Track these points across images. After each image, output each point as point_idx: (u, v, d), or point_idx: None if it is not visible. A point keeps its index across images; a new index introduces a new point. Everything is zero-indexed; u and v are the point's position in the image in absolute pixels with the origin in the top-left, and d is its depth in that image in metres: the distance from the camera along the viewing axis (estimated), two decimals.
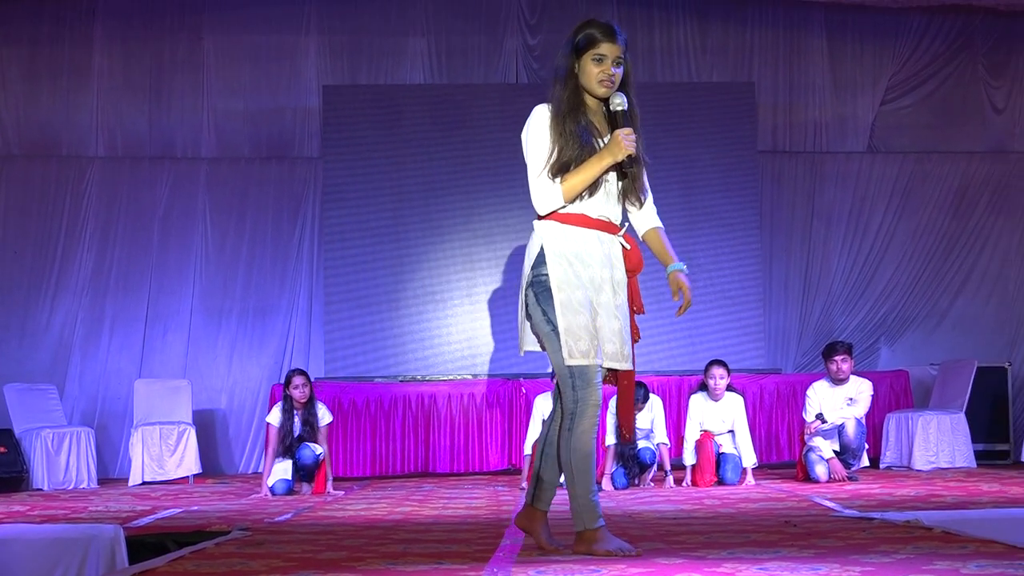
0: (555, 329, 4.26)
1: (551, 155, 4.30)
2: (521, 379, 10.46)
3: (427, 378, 10.83)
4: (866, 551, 4.32)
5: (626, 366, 4.36)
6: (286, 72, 11.91)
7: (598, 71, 4.29)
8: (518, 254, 11.13)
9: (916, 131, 12.27)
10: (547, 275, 4.29)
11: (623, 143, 4.22)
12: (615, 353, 4.31)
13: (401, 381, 10.72)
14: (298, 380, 8.73)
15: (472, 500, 7.74)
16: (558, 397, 4.37)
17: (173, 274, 11.59)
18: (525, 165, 4.39)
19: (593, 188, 4.31)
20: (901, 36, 12.20)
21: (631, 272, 4.44)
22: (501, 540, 5.09)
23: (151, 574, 4.01)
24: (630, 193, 4.43)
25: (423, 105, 11.51)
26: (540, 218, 4.38)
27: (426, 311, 11.18)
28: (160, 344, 11.50)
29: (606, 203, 4.36)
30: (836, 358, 9.01)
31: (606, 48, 4.28)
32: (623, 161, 4.26)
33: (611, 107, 4.32)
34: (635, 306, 4.46)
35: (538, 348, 4.41)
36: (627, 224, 4.50)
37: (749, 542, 4.79)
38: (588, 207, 4.33)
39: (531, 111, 4.40)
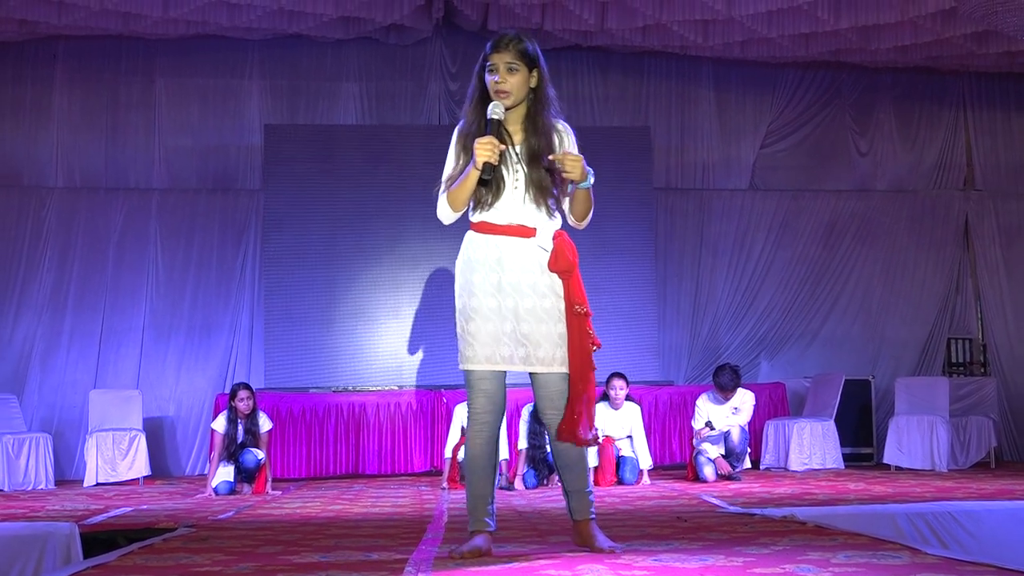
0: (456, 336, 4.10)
1: (453, 170, 4.10)
2: (442, 390, 10.43)
3: (357, 389, 10.76)
4: (748, 543, 4.36)
5: (560, 369, 4.01)
6: (231, 112, 11.80)
7: (491, 81, 4.01)
8: (440, 277, 11.11)
9: (792, 171, 12.45)
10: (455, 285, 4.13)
11: (476, 151, 3.87)
12: (548, 357, 4.00)
13: (334, 391, 10.64)
14: (243, 394, 8.68)
15: (398, 499, 7.70)
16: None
17: (126, 294, 11.41)
18: None
19: (496, 197, 4.02)
20: (778, 88, 12.39)
21: (561, 274, 4.03)
22: (424, 534, 5.07)
23: (104, 568, 3.94)
24: (540, 197, 4.05)
25: (355, 143, 11.46)
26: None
27: (357, 328, 11.10)
28: (114, 357, 11.30)
29: (518, 208, 4.04)
30: (727, 393, 9.10)
31: (494, 58, 4.01)
32: (482, 169, 3.90)
33: (487, 115, 4.00)
34: (573, 305, 4.01)
35: None
36: (547, 226, 4.09)
37: (645, 535, 4.81)
38: (493, 215, 4.05)
39: None
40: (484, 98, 4.09)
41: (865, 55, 11.35)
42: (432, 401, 10.34)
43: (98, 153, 11.61)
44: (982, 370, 12.26)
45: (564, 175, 3.97)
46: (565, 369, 4.02)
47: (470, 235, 4.12)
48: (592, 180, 4.04)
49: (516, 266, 4.03)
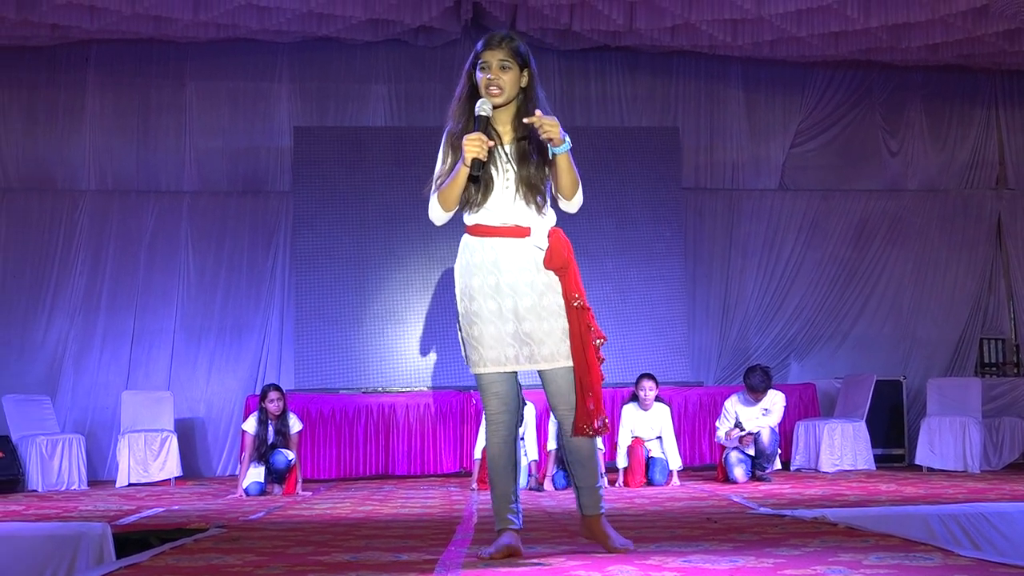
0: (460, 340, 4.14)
1: (441, 170, 4.10)
2: (471, 391, 10.43)
3: (387, 390, 10.78)
4: (779, 544, 4.34)
5: (567, 363, 4.02)
6: (261, 114, 11.86)
7: (483, 78, 4.02)
8: None
9: (822, 171, 12.39)
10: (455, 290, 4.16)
11: (465, 147, 3.89)
12: (552, 353, 4.02)
13: (364, 392, 10.66)
14: (273, 395, 8.71)
15: (427, 500, 7.71)
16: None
17: (158, 296, 11.49)
18: None
19: (485, 197, 4.03)
20: (808, 88, 12.33)
21: (557, 271, 4.03)
22: (453, 535, 5.08)
23: (136, 568, 3.96)
24: (531, 195, 4.04)
25: (384, 144, 11.48)
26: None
27: (386, 329, 11.13)
28: (145, 359, 11.38)
29: (509, 207, 4.05)
30: (758, 394, 9.05)
31: (487, 55, 4.02)
32: (471, 166, 3.91)
33: (475, 112, 4.01)
34: (571, 300, 4.01)
35: None
36: (541, 225, 4.08)
37: (675, 537, 4.80)
38: (486, 216, 4.06)
39: None
40: (472, 96, 4.10)
41: (896, 54, 11.28)
42: (461, 402, 10.35)
43: (130, 156, 11.69)
44: (1015, 371, 12.15)
45: (542, 135, 3.90)
46: (571, 363, 4.02)
47: (466, 239, 4.13)
48: (569, 144, 3.96)
49: (513, 266, 4.03)
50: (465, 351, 4.11)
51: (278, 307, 11.62)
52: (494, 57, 4.01)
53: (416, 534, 5.20)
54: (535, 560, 3.98)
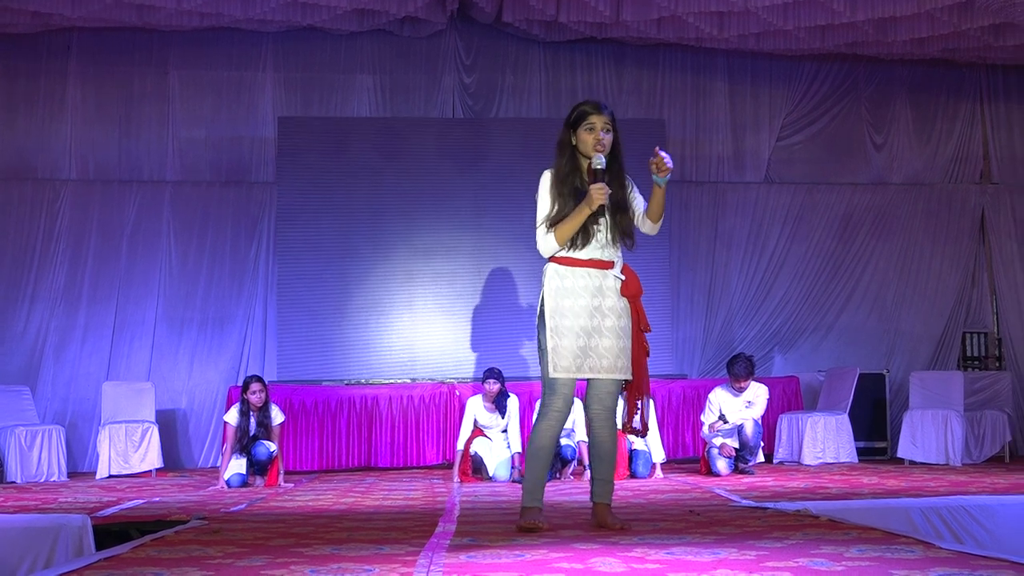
0: (543, 349, 4.83)
1: (551, 211, 4.82)
2: (455, 383, 10.44)
3: (370, 382, 10.77)
4: (761, 537, 4.35)
5: (619, 376, 4.86)
6: (244, 104, 11.81)
7: (591, 138, 4.82)
8: (453, 270, 11.13)
9: (807, 164, 12.41)
10: (544, 307, 4.84)
11: (594, 196, 4.68)
12: (610, 366, 4.83)
13: (347, 384, 10.65)
14: (255, 386, 8.67)
15: (410, 492, 7.71)
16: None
17: (139, 286, 11.44)
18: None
19: (586, 238, 4.80)
20: (794, 81, 12.36)
21: (631, 298, 4.90)
22: (436, 527, 5.08)
23: (116, 560, 3.95)
24: (620, 237, 4.90)
25: (369, 135, 11.47)
26: (547, 262, 4.90)
27: (370, 321, 11.11)
28: (126, 350, 11.34)
29: (598, 249, 4.85)
30: (741, 382, 9.06)
31: (595, 119, 4.84)
32: (596, 210, 4.70)
33: (592, 166, 4.75)
34: (640, 325, 4.95)
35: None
36: (619, 261, 4.93)
37: (658, 529, 4.81)
38: (580, 253, 4.83)
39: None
40: (573, 147, 4.91)
41: (881, 47, 11.31)
42: (445, 394, 10.35)
43: (112, 145, 11.63)
44: (997, 364, 12.21)
45: (656, 167, 4.73)
46: (620, 376, 4.88)
47: (555, 267, 4.88)
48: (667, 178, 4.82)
49: (599, 292, 4.85)
50: (548, 358, 4.80)
51: (261, 298, 11.59)
52: (600, 120, 4.86)
53: (399, 526, 5.21)
54: (517, 552, 3.99)
